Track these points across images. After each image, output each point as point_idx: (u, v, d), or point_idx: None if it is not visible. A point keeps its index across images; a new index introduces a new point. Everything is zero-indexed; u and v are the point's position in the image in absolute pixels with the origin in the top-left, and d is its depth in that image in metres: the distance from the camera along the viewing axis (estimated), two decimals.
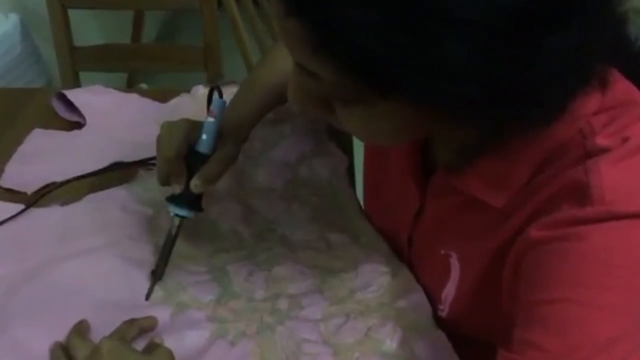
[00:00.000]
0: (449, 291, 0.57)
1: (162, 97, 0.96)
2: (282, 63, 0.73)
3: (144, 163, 0.80)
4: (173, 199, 0.63)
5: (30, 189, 0.77)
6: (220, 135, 0.64)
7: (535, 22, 0.35)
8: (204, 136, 0.63)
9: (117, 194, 0.76)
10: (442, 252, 0.56)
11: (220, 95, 0.64)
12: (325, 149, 0.82)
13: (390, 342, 0.57)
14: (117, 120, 0.89)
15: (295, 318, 0.60)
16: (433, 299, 0.60)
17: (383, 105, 0.41)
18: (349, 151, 0.83)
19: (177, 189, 0.63)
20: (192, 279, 0.64)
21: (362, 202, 0.76)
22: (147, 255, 0.67)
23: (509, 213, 0.47)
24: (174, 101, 0.94)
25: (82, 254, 0.66)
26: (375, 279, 0.63)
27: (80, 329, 0.57)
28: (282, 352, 0.56)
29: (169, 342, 0.57)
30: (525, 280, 0.45)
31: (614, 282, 0.40)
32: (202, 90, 0.90)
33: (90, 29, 1.79)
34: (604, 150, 0.42)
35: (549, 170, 0.45)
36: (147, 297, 0.63)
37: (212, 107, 0.64)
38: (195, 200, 0.64)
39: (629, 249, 0.40)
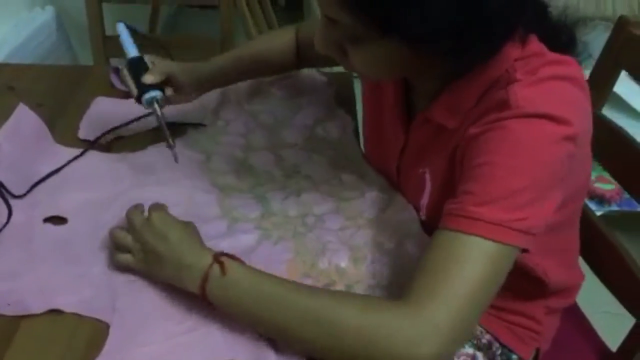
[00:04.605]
0: (425, 199, 0.78)
1: None
2: (254, 44, 1.02)
3: (192, 124, 1.01)
4: (142, 94, 0.84)
5: (103, 140, 0.98)
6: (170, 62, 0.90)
7: None
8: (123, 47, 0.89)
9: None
10: (420, 170, 0.77)
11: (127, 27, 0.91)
12: (335, 114, 1.04)
13: (389, 244, 0.79)
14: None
15: (320, 228, 0.81)
16: (415, 208, 0.82)
17: (383, 42, 0.62)
18: (354, 116, 1.05)
19: (132, 90, 0.85)
20: (240, 202, 0.86)
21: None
22: (207, 186, 0.88)
23: (459, 129, 0.69)
24: None
25: (157, 184, 0.87)
26: (377, 203, 0.85)
27: (138, 206, 0.76)
28: (313, 249, 0.78)
29: (228, 242, 0.78)
30: (466, 160, 0.65)
31: (519, 152, 0.61)
32: None
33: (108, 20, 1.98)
34: (519, 80, 0.63)
35: (485, 97, 0.66)
36: (176, 160, 0.85)
37: (117, 30, 0.90)
38: (154, 86, 0.85)
39: (531, 133, 0.61)
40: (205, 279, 0.66)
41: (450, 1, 0.56)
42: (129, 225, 0.74)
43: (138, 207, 0.75)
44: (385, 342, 0.58)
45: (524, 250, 0.63)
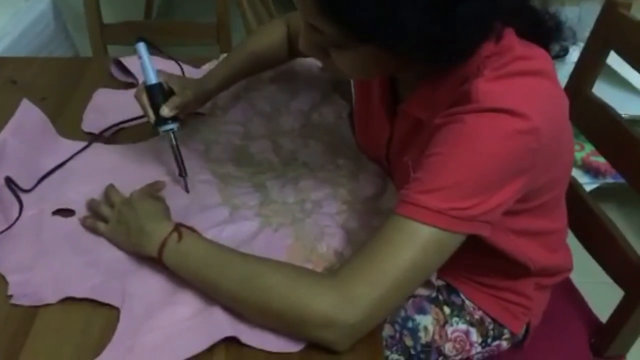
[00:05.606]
0: None
1: (196, 62, 1.19)
2: (250, 45, 1.02)
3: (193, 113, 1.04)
4: (157, 124, 0.88)
5: (107, 133, 1.01)
6: (183, 86, 0.91)
7: None
8: (143, 70, 0.89)
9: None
10: (405, 159, 0.79)
11: (143, 41, 0.90)
12: (331, 100, 1.07)
13: None
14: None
15: (317, 213, 0.85)
16: None
17: (362, 48, 0.65)
18: (349, 101, 1.07)
19: (150, 117, 0.88)
20: (241, 191, 0.89)
21: None
22: (208, 176, 0.91)
23: (432, 122, 0.71)
24: (205, 66, 1.17)
25: (159, 175, 0.90)
26: (372, 187, 0.88)
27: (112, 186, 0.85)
28: (311, 233, 0.81)
29: (231, 229, 0.81)
30: (426, 149, 0.67)
31: (473, 145, 0.62)
32: None
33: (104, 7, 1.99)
34: (484, 75, 0.65)
35: (456, 92, 0.67)
36: (187, 190, 0.88)
37: (137, 51, 0.89)
38: (171, 117, 0.88)
39: (487, 128, 0.62)
40: (163, 244, 0.73)
41: (423, 12, 0.58)
42: (106, 199, 0.84)
43: (112, 185, 0.86)
44: (306, 308, 0.64)
45: (480, 236, 0.66)
